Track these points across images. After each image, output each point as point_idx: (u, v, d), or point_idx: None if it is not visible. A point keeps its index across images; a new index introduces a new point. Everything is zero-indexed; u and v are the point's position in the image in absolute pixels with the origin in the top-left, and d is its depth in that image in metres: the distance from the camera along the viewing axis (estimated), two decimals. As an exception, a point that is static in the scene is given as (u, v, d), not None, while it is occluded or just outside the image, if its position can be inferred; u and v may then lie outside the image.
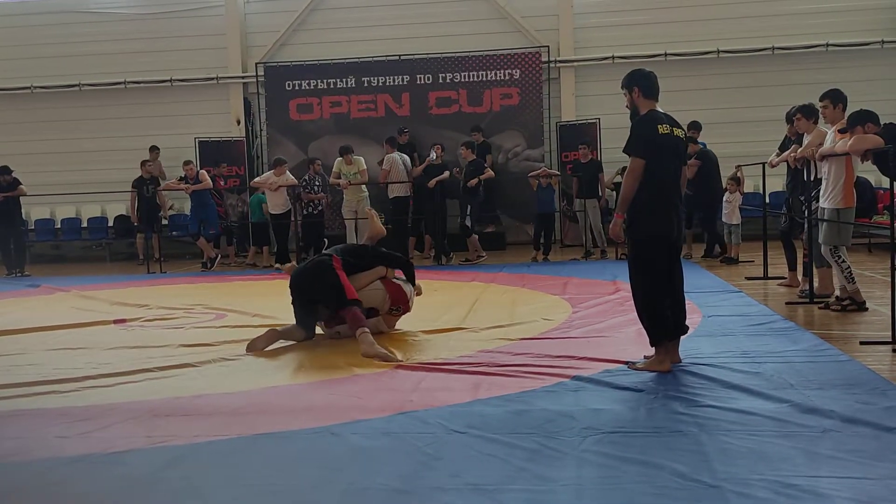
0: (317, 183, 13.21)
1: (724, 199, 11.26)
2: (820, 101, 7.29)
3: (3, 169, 12.94)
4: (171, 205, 15.58)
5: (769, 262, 9.47)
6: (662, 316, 5.12)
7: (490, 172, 12.58)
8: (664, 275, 5.13)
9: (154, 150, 14.97)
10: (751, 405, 4.23)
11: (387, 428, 4.09)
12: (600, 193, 12.57)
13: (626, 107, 5.31)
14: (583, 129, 14.72)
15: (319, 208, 13.14)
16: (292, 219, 12.89)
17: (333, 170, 12.97)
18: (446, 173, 12.60)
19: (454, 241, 12.83)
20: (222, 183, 14.57)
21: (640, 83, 5.22)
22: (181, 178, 13.32)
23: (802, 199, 7.93)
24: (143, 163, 14.35)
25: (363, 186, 12.94)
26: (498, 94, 15.23)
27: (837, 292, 7.30)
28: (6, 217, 12.96)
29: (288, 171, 13.04)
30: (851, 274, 7.02)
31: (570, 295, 8.41)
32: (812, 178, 7.50)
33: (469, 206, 12.34)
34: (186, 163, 13.33)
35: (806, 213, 7.79)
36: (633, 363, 5.22)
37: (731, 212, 11.17)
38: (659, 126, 5.08)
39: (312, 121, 15.60)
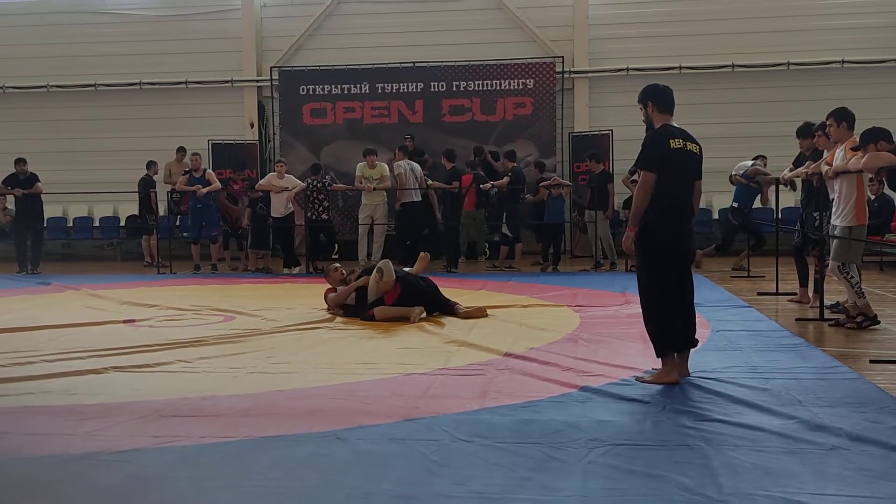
0: (327, 187, 13.17)
1: None
2: (826, 119, 7.32)
3: (19, 160, 13.02)
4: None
5: (780, 278, 9.44)
6: (669, 328, 5.13)
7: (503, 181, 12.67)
8: (672, 287, 5.14)
9: (180, 150, 14.73)
10: (758, 421, 4.22)
11: (393, 434, 4.09)
12: (609, 205, 12.53)
13: (643, 121, 5.35)
14: (595, 140, 14.72)
15: (325, 216, 12.96)
16: (296, 222, 12.91)
17: (356, 173, 12.98)
18: (455, 184, 12.69)
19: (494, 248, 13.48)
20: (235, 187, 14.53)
21: (654, 98, 5.26)
22: (186, 172, 13.23)
23: (816, 215, 7.91)
24: (169, 163, 14.39)
25: (383, 192, 12.95)
26: (511, 103, 15.24)
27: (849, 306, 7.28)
28: (28, 215, 13.03)
29: (291, 175, 13.06)
30: (861, 289, 7.01)
31: (578, 306, 8.40)
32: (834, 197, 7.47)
33: (505, 214, 12.48)
34: (193, 154, 13.30)
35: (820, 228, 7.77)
36: (641, 376, 5.21)
37: None
38: (671, 140, 5.11)
39: (326, 126, 15.64)
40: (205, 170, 13.16)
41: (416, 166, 13.09)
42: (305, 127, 15.67)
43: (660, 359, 5.18)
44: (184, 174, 13.28)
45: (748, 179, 11.14)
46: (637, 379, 5.17)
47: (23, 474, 3.63)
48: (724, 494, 3.24)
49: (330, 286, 8.38)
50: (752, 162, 11.45)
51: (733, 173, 11.47)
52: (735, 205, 11.46)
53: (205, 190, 12.87)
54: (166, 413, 4.56)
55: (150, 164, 14.33)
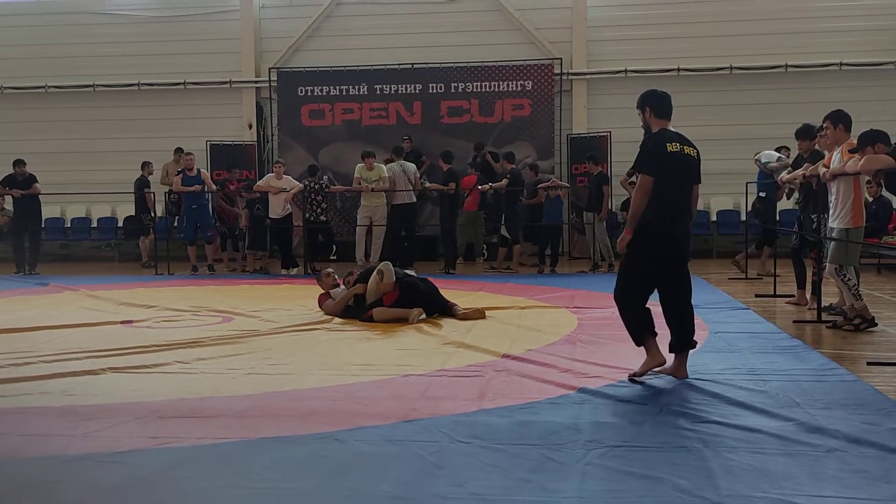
0: (325, 188, 13.16)
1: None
2: (822, 121, 7.35)
3: (18, 161, 13.00)
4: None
5: (778, 280, 9.45)
6: (644, 320, 5.22)
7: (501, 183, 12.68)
8: (649, 286, 5.26)
9: (178, 151, 14.50)
10: (756, 423, 4.22)
11: (391, 435, 4.10)
12: (604, 207, 12.49)
13: (641, 126, 5.41)
14: (594, 141, 14.72)
15: (322, 217, 12.95)
16: (294, 223, 12.89)
17: (355, 175, 12.95)
18: (452, 185, 12.71)
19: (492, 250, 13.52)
20: (231, 187, 14.48)
21: (652, 103, 5.31)
22: (179, 172, 13.18)
23: (814, 217, 7.92)
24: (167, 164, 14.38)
25: (382, 193, 12.94)
26: (510, 104, 15.24)
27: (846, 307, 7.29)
28: (26, 215, 13.01)
29: (290, 177, 13.05)
30: (858, 291, 7.02)
31: (577, 307, 8.40)
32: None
33: (504, 216, 12.50)
34: (187, 154, 13.29)
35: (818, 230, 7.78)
36: (634, 375, 5.24)
37: None
38: (668, 144, 5.17)
39: (324, 127, 15.63)
40: (199, 170, 13.08)
41: (410, 166, 13.08)
42: (304, 128, 15.67)
43: (642, 347, 5.26)
44: (177, 174, 13.24)
45: (763, 167, 11.04)
46: (630, 377, 5.19)
47: (21, 475, 3.63)
48: (722, 496, 3.25)
49: (323, 291, 8.37)
50: (778, 156, 11.24)
51: (755, 157, 11.32)
52: (762, 194, 11.29)
53: (210, 184, 12.83)
54: (164, 414, 4.56)
55: (145, 165, 14.33)
